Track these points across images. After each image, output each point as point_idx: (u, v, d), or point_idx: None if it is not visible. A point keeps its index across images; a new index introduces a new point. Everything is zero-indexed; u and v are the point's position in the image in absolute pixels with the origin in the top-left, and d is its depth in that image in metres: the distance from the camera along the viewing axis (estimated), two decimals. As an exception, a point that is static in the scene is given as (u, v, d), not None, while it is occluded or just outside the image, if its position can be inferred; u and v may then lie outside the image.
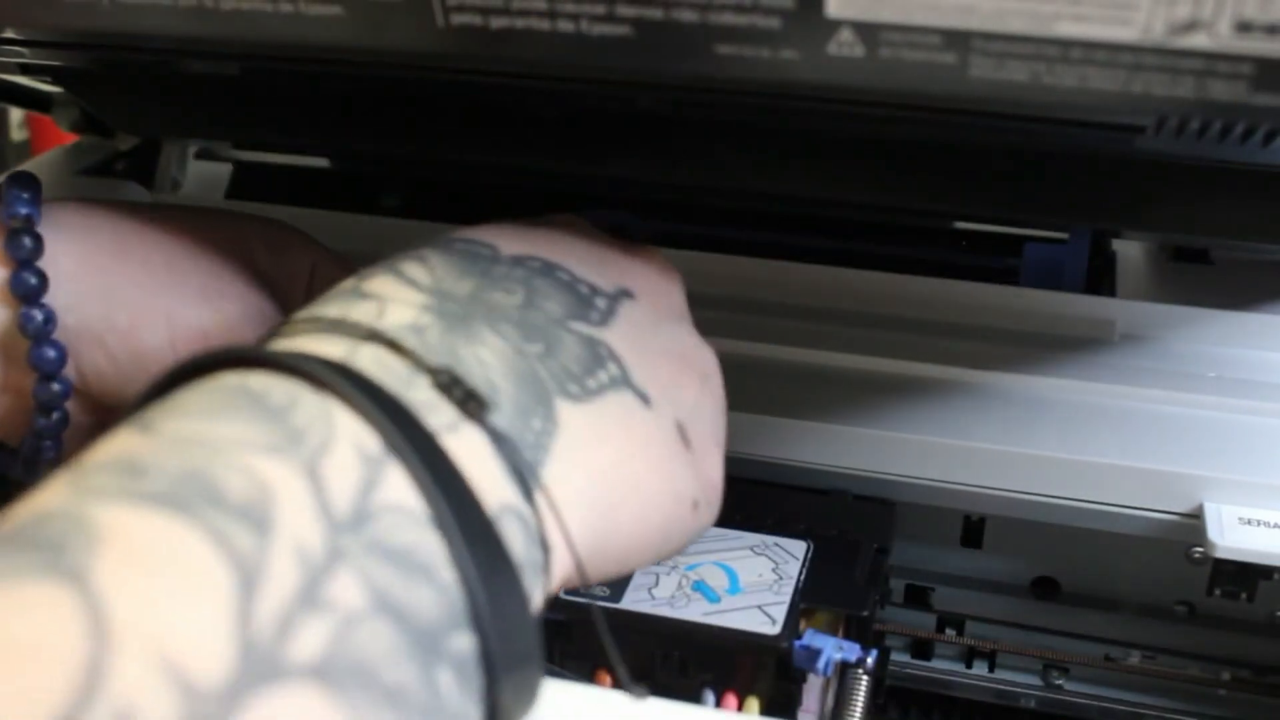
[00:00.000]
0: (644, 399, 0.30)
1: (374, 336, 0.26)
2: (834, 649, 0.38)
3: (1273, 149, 0.30)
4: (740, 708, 0.38)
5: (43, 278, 0.34)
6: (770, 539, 0.42)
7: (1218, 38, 0.22)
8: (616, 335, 0.30)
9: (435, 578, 0.23)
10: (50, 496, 0.21)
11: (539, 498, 0.26)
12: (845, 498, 0.45)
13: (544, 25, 0.26)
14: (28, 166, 0.64)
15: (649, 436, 0.29)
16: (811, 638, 0.38)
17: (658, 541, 0.31)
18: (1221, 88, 0.23)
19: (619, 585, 0.40)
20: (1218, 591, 0.42)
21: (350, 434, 0.23)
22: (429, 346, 0.26)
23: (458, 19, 0.26)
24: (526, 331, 0.28)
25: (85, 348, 0.35)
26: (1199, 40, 0.22)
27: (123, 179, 0.63)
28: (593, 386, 0.28)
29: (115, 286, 0.36)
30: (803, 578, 0.40)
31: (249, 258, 0.38)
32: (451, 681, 0.22)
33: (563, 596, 0.39)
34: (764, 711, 0.38)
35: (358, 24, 0.27)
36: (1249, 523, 0.40)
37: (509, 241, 0.30)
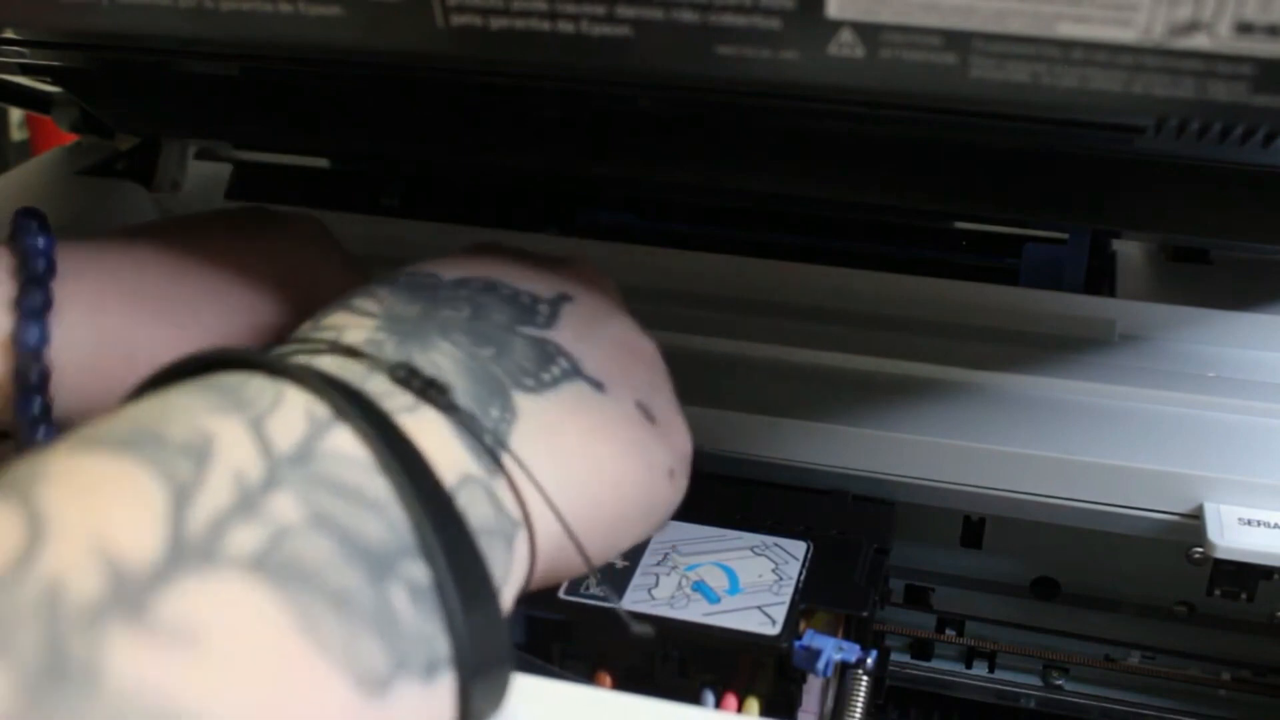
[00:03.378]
0: (598, 386, 0.31)
1: (333, 349, 0.27)
2: (834, 649, 0.38)
3: (1273, 150, 0.30)
4: (740, 708, 0.38)
5: (44, 374, 0.32)
6: (770, 539, 0.42)
7: (1218, 39, 0.22)
8: (563, 334, 0.31)
9: (384, 513, 0.23)
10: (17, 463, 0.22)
11: (507, 461, 0.27)
12: (845, 498, 0.45)
13: (544, 26, 0.26)
14: (27, 166, 0.64)
15: (609, 418, 0.31)
16: (811, 638, 0.38)
17: (642, 512, 0.32)
18: (1222, 89, 0.23)
19: (619, 585, 0.40)
20: (1218, 591, 0.41)
21: (299, 402, 0.24)
22: (386, 354, 0.27)
23: (458, 19, 0.26)
24: (477, 338, 0.29)
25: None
26: (1199, 41, 0.22)
27: (122, 179, 0.63)
28: (547, 379, 0.30)
29: (117, 388, 0.34)
30: (802, 578, 0.40)
31: (265, 315, 0.37)
32: (406, 599, 0.23)
33: (562, 597, 0.39)
34: (764, 712, 0.38)
35: (358, 24, 0.27)
36: (1249, 523, 0.40)
37: (449, 269, 0.32)
